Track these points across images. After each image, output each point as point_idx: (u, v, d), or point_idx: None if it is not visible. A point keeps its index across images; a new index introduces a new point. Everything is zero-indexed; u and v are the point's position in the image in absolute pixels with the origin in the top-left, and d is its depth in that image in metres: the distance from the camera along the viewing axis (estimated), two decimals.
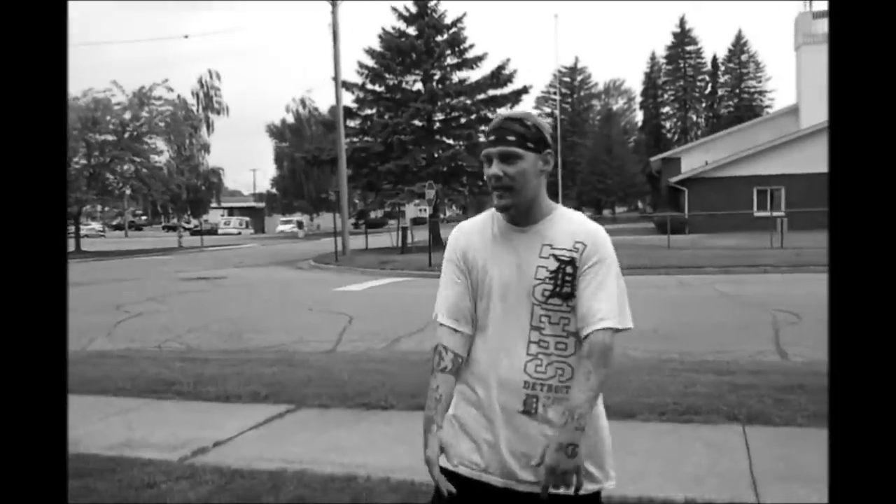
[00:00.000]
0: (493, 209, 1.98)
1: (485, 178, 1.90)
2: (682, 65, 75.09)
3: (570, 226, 1.91)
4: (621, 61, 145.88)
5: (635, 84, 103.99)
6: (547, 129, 1.92)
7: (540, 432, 1.83)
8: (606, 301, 1.84)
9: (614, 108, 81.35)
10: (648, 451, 4.10)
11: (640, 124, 79.60)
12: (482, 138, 22.53)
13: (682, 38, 74.39)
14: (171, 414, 5.26)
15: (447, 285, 2.01)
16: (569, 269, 1.86)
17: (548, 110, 74.08)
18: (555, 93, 68.59)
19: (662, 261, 18.17)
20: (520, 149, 1.84)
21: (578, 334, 1.86)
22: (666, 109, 76.92)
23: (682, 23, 74.56)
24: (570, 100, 76.26)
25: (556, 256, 1.87)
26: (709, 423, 4.51)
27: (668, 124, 77.11)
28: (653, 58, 76.49)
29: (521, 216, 1.90)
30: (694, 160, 38.43)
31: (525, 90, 31.20)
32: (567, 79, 76.06)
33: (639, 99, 79.53)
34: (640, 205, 71.79)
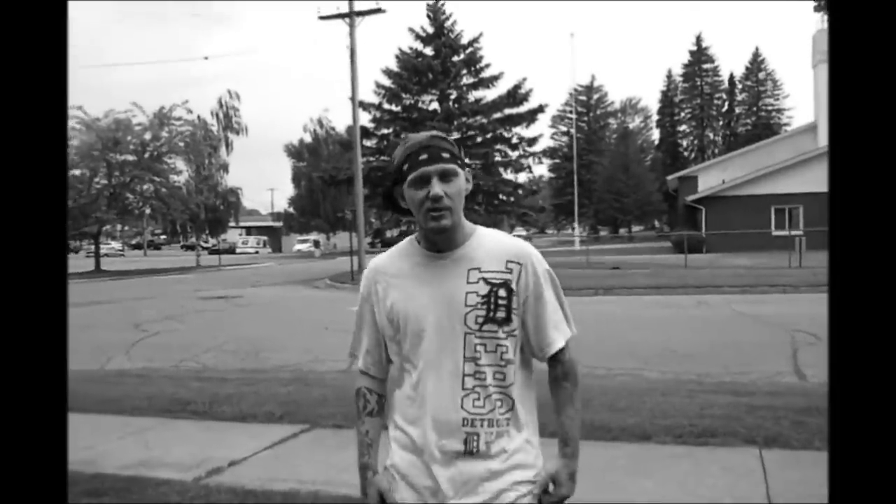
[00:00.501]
0: (408, 239, 1.87)
1: (415, 201, 1.72)
2: (698, 83, 75.01)
3: (497, 246, 1.78)
4: (638, 80, 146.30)
5: (652, 102, 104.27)
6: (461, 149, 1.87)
7: (485, 468, 1.72)
8: (556, 318, 1.80)
9: (631, 126, 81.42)
10: (663, 474, 4.07)
11: (656, 142, 79.50)
12: (498, 157, 22.55)
13: (699, 56, 74.39)
14: (187, 433, 5.30)
15: (363, 327, 1.92)
16: (501, 293, 1.73)
17: (564, 129, 74.33)
18: (571, 111, 68.79)
19: (679, 280, 18.05)
20: (455, 165, 1.73)
21: (517, 360, 1.78)
22: (683, 128, 76.78)
23: (698, 41, 74.64)
24: (586, 118, 76.38)
25: (486, 280, 1.74)
26: (725, 446, 4.46)
27: (684, 142, 76.92)
28: (669, 76, 76.59)
29: (448, 241, 1.77)
30: (711, 178, 38.25)
31: (541, 109, 31.37)
32: (583, 97, 76.25)
33: (655, 117, 79.52)
34: (657, 224, 71.49)
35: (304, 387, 6.84)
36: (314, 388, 6.74)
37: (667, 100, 75.92)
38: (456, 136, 31.37)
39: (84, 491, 3.93)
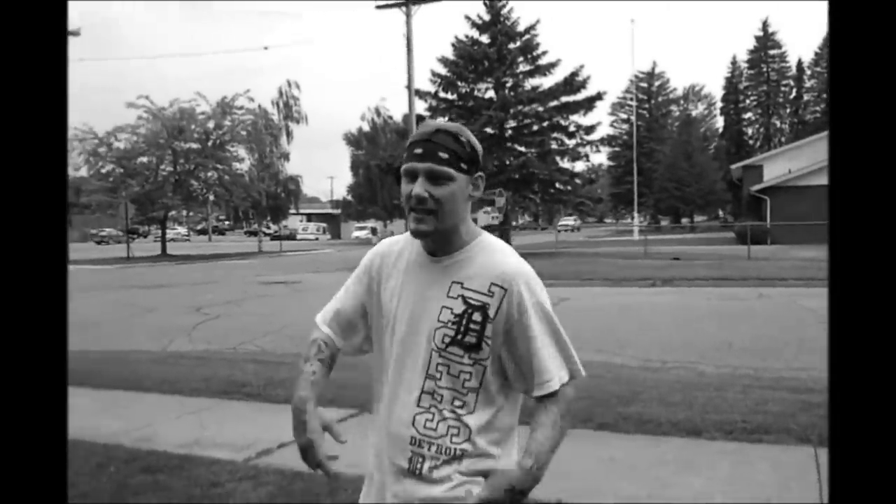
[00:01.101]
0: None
1: (403, 195, 1.59)
2: (765, 69, 72.42)
3: (488, 264, 1.60)
4: (701, 66, 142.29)
5: (715, 89, 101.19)
6: (480, 150, 1.64)
7: (426, 493, 1.59)
8: (545, 356, 1.60)
9: (693, 113, 79.37)
10: (712, 471, 3.98)
11: (720, 130, 77.23)
12: (554, 145, 22.36)
13: (766, 41, 71.77)
14: (241, 415, 5.45)
15: (343, 296, 1.81)
16: (476, 317, 1.56)
17: (624, 116, 72.93)
18: (631, 98, 67.38)
19: (741, 272, 17.55)
20: (451, 169, 1.55)
21: (483, 389, 1.61)
22: (748, 115, 74.34)
23: (765, 26, 71.98)
24: (647, 105, 74.75)
25: (464, 298, 1.58)
26: (779, 444, 4.33)
27: (749, 130, 74.50)
28: (734, 62, 74.12)
29: (438, 246, 1.63)
30: (777, 168, 36.99)
31: (599, 96, 30.87)
32: (644, 84, 74.61)
33: (719, 104, 77.23)
34: (720, 214, 69.59)
35: (354, 372, 6.94)
36: (363, 373, 6.83)
37: (731, 86, 73.54)
38: (512, 124, 31.19)
39: (140, 467, 4.10)
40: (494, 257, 1.62)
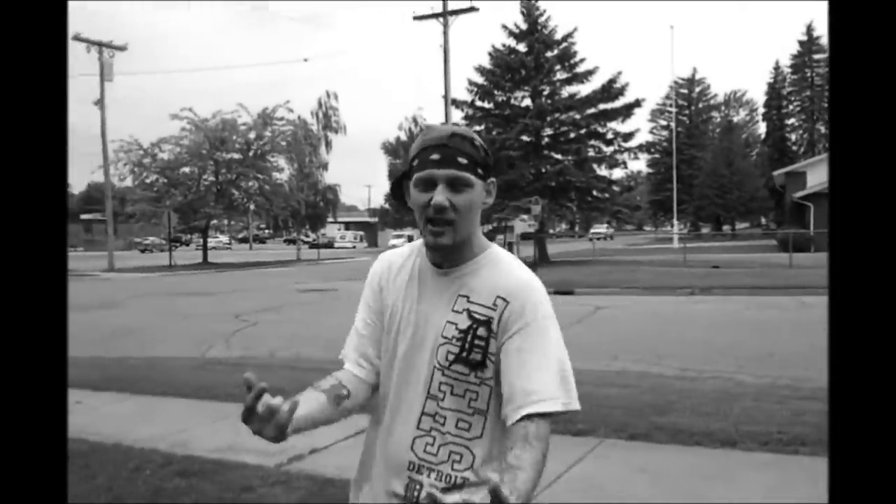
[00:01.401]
0: (419, 242, 1.62)
1: (417, 205, 1.47)
2: (809, 74, 70.80)
3: (495, 275, 1.51)
4: (743, 72, 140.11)
5: (758, 95, 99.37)
6: (490, 155, 1.55)
7: None
8: (539, 379, 1.42)
9: (735, 119, 78.07)
10: (746, 483, 3.90)
11: (762, 136, 75.76)
12: (591, 153, 22.16)
13: (810, 45, 70.18)
14: None
15: (357, 326, 1.67)
16: (481, 332, 1.46)
17: (663, 123, 72.06)
18: (671, 105, 66.62)
19: (783, 281, 17.17)
20: (471, 175, 1.46)
21: (491, 413, 1.48)
22: (791, 121, 72.74)
23: (808, 30, 70.39)
24: (687, 112, 73.76)
25: (470, 313, 1.48)
26: (816, 456, 4.22)
27: (793, 136, 72.86)
28: (777, 67, 72.68)
29: (448, 257, 1.52)
30: (821, 174, 36.07)
31: (637, 103, 30.59)
32: (684, 90, 73.67)
33: (761, 110, 75.73)
34: (762, 221, 68.16)
35: None
36: None
37: (774, 92, 72.08)
38: (548, 132, 31.08)
39: (175, 471, 4.19)
40: (501, 270, 1.53)
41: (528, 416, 1.39)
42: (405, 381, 1.53)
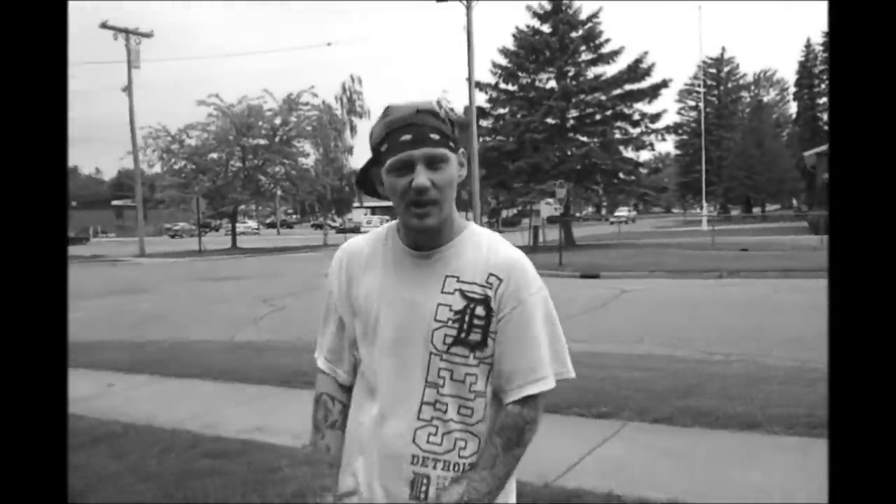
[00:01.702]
0: (389, 226, 1.57)
1: (396, 189, 1.41)
2: None
3: (482, 253, 1.47)
4: (773, 50, 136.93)
5: (788, 74, 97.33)
6: (460, 120, 1.54)
7: None
8: (531, 357, 1.44)
9: (765, 99, 76.50)
10: (771, 466, 3.88)
11: (793, 116, 74.15)
12: (617, 135, 21.90)
13: None
14: (301, 402, 5.60)
15: (325, 320, 1.61)
16: (479, 311, 1.42)
17: (691, 103, 70.90)
18: (699, 85, 65.48)
19: (814, 263, 16.86)
20: (446, 150, 1.41)
21: (488, 394, 1.47)
22: (823, 100, 71.03)
23: None
24: (715, 92, 72.43)
25: (463, 293, 1.43)
26: None
27: (824, 116, 71.23)
28: (808, 45, 70.85)
29: (428, 238, 1.47)
30: None
31: (664, 84, 30.17)
32: (712, 70, 72.29)
33: (792, 89, 74.06)
34: (794, 203, 66.97)
35: None
36: None
37: (805, 71, 70.36)
38: (574, 113, 30.79)
39: (204, 452, 4.28)
40: (489, 247, 1.49)
41: (513, 403, 1.44)
42: (398, 371, 1.45)
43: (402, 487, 1.44)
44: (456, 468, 1.44)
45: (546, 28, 31.01)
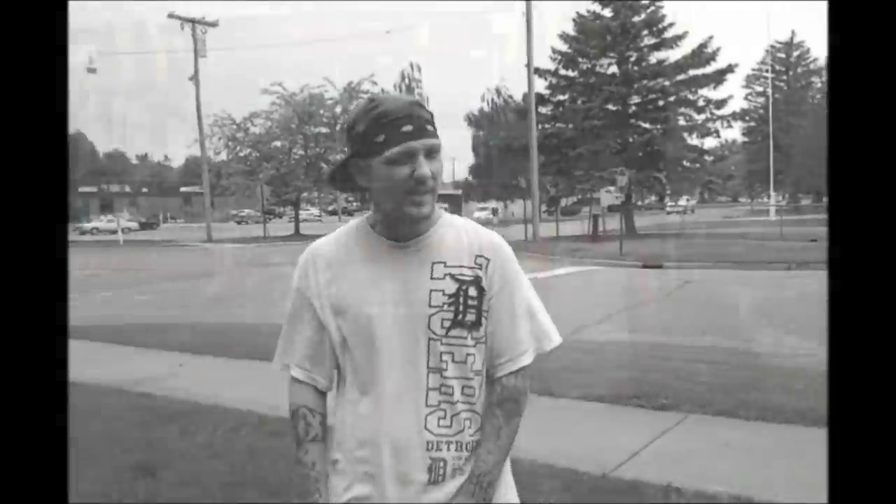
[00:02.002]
0: (358, 222, 1.58)
1: (396, 179, 1.42)
2: None
3: (464, 237, 1.52)
4: None
5: None
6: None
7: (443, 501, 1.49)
8: (522, 331, 1.52)
9: None
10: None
11: None
12: (681, 121, 21.39)
13: None
14: None
15: (297, 328, 1.56)
16: (472, 292, 1.47)
17: (759, 89, 68.50)
18: (767, 70, 63.19)
19: None
20: (439, 141, 1.46)
21: (483, 371, 1.52)
22: None
23: None
24: (784, 77, 69.76)
25: (453, 276, 1.47)
26: None
27: None
28: None
29: (418, 228, 1.50)
30: None
31: (730, 69, 29.30)
32: (781, 55, 69.58)
33: None
34: None
35: None
36: None
37: None
38: (636, 99, 30.20)
39: (270, 431, 4.44)
40: (468, 231, 1.54)
41: (507, 375, 1.52)
42: (400, 362, 1.46)
43: (420, 474, 1.46)
44: (467, 447, 1.49)
45: (607, 12, 30.46)
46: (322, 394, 1.57)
